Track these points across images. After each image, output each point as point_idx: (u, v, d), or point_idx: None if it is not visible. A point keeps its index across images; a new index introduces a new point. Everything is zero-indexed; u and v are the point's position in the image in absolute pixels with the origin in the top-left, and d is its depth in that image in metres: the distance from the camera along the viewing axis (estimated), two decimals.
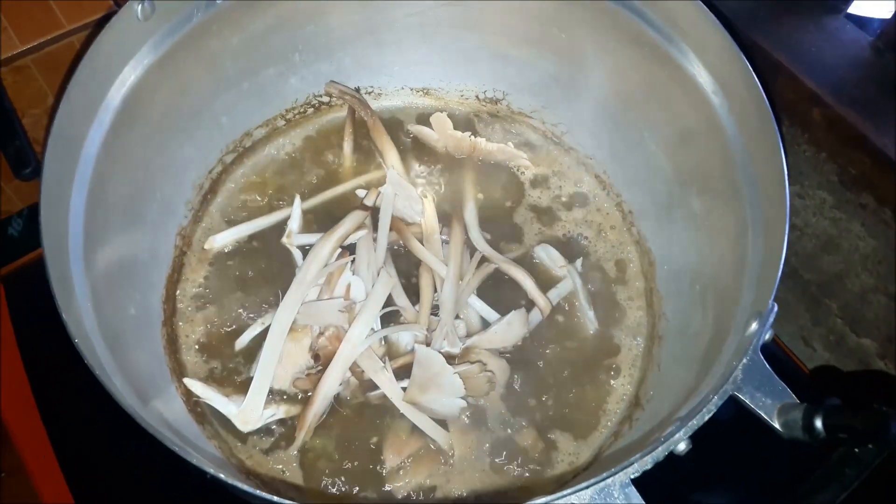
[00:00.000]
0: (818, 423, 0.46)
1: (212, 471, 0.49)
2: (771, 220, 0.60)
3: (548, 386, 0.75)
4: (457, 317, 0.76)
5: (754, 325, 0.53)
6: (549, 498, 0.46)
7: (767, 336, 0.52)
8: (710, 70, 0.68)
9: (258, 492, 0.47)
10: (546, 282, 0.80)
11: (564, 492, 0.46)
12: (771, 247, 0.58)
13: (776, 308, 0.53)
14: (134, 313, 0.69)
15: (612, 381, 0.76)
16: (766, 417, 0.50)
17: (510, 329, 0.75)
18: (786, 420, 0.49)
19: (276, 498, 0.46)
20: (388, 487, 0.69)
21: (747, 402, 0.50)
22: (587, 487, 0.46)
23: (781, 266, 0.55)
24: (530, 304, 0.78)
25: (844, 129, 0.73)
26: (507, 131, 0.90)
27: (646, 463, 0.48)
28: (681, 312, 0.76)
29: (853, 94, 0.74)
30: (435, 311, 0.75)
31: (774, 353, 0.85)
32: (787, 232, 0.56)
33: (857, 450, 0.40)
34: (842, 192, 0.79)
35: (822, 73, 0.76)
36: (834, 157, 0.77)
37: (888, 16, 0.76)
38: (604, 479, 0.46)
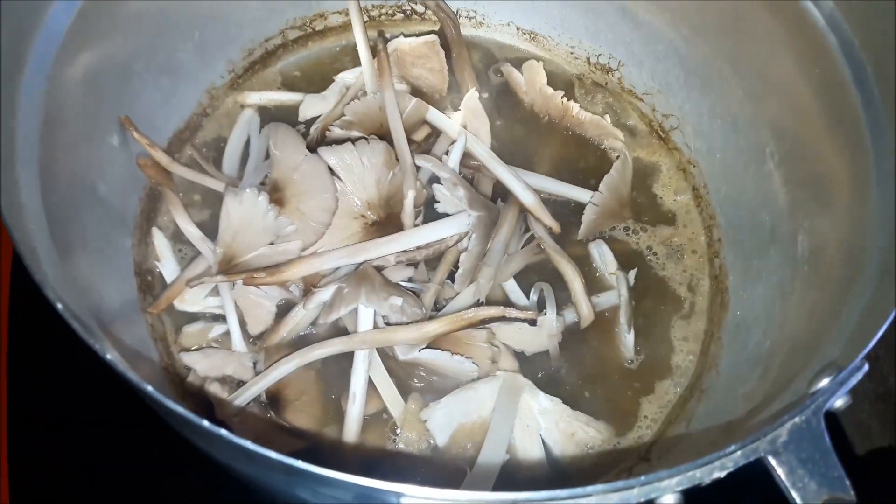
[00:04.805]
0: None
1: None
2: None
3: None
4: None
5: (825, 381, 0.37)
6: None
7: (840, 402, 0.36)
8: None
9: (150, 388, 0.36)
10: (592, 286, 0.65)
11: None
12: (881, 302, 0.42)
13: (866, 368, 0.37)
14: (114, 144, 0.60)
15: (626, 427, 0.61)
16: None
17: (536, 334, 0.62)
18: None
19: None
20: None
21: (781, 475, 0.34)
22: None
23: (889, 321, 0.39)
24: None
25: None
26: (609, 107, 0.75)
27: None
28: (736, 368, 0.60)
29: None
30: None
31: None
32: None
33: None
34: None
35: None
36: None
37: None
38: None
